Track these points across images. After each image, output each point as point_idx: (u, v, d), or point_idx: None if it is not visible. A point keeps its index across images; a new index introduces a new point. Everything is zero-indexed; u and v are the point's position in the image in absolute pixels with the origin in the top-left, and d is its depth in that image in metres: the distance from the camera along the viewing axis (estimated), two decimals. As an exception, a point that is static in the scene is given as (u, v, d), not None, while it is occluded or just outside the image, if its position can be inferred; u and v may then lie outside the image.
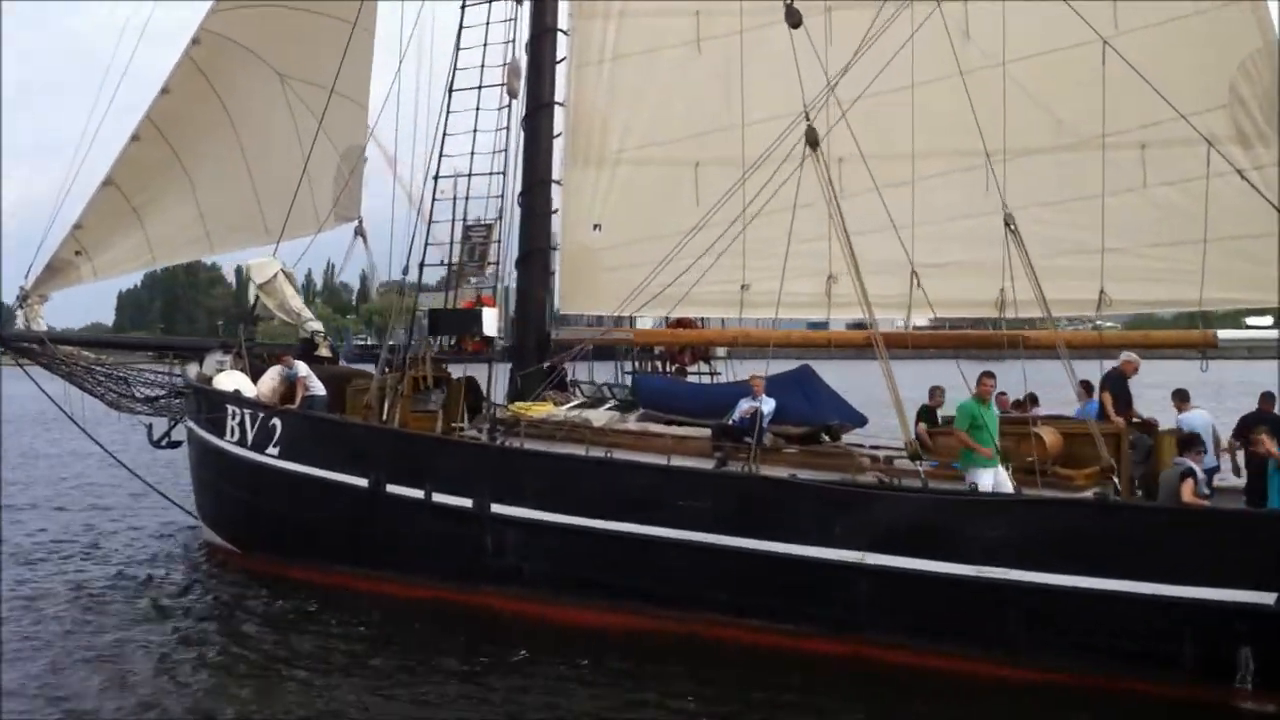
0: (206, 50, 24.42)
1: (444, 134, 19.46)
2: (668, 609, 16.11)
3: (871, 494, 15.14)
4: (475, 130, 19.16)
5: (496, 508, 17.55)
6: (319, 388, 20.52)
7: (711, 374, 21.98)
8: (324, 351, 23.11)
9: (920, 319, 20.69)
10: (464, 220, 19.79)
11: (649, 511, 16.24)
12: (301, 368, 20.61)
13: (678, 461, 17.23)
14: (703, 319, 21.42)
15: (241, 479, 20.66)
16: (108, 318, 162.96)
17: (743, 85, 19.98)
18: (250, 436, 20.29)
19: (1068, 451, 15.91)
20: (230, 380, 21.78)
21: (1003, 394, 18.56)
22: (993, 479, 14.86)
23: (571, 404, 19.69)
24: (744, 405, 17.43)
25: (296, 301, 23.76)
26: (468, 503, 17.80)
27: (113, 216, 24.74)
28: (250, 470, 20.40)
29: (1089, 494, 15.08)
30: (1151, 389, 19.34)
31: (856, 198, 19.48)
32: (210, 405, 21.16)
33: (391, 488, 18.55)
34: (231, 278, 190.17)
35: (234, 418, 20.50)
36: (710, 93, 20.41)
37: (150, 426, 23.88)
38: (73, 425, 23.86)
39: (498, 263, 19.70)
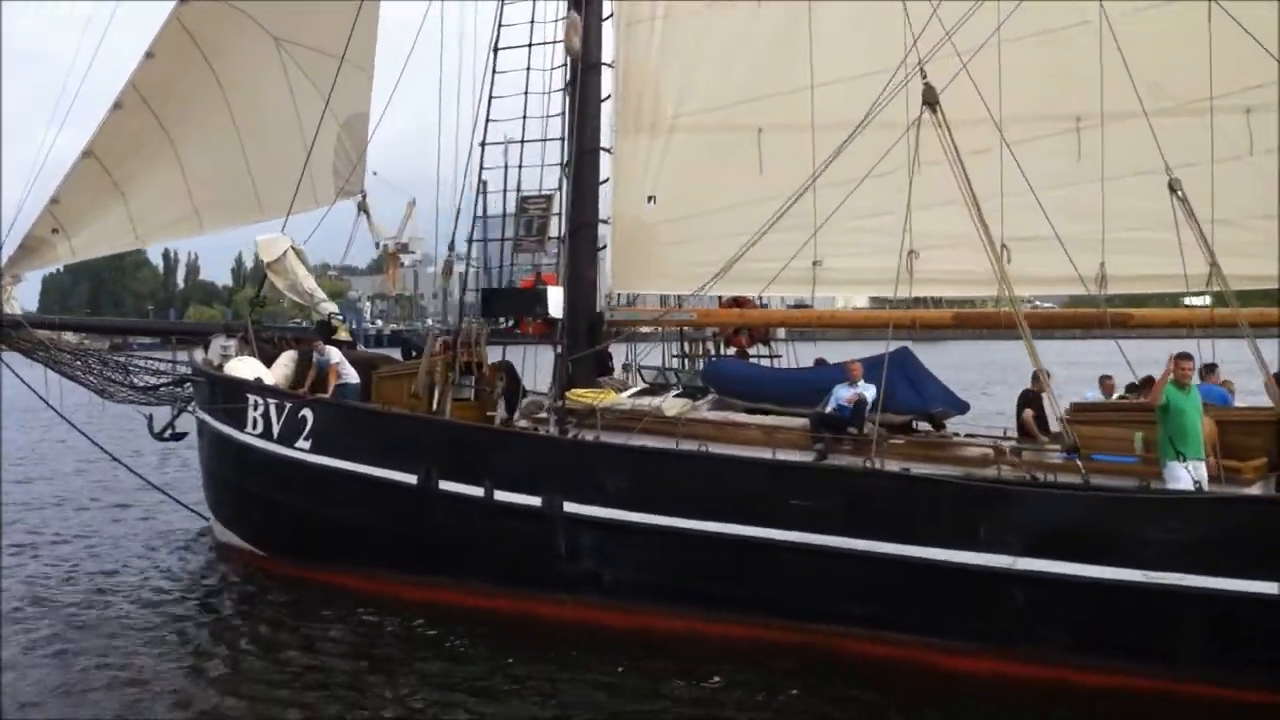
0: (195, 11, 22.23)
1: (490, 96, 17.33)
2: (780, 620, 14.59)
3: (1024, 491, 13.38)
4: (526, 92, 17.17)
5: (570, 506, 15.89)
6: (353, 375, 18.66)
7: (772, 357, 20.05)
8: (343, 335, 20.98)
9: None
10: (518, 190, 17.69)
11: (756, 511, 14.71)
12: (334, 353, 18.69)
13: (768, 454, 15.63)
14: (760, 297, 19.40)
15: (266, 475, 18.86)
16: (31, 303, 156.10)
17: (811, 43, 18.05)
18: (276, 429, 18.43)
19: (1219, 441, 14.21)
20: (246, 367, 19.62)
21: (1108, 377, 16.93)
22: (1193, 474, 13.03)
23: (631, 390, 17.72)
24: (843, 392, 15.74)
25: (309, 282, 21.77)
26: (536, 501, 16.10)
27: (92, 191, 22.58)
28: (277, 466, 18.60)
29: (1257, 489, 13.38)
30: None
31: (934, 166, 17.18)
32: (228, 394, 19.23)
33: (445, 484, 16.83)
34: (158, 260, 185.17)
35: (256, 408, 18.54)
36: (773, 52, 18.79)
37: (150, 417, 21.55)
38: (38, 415, 21.37)
39: (560, 237, 17.61)
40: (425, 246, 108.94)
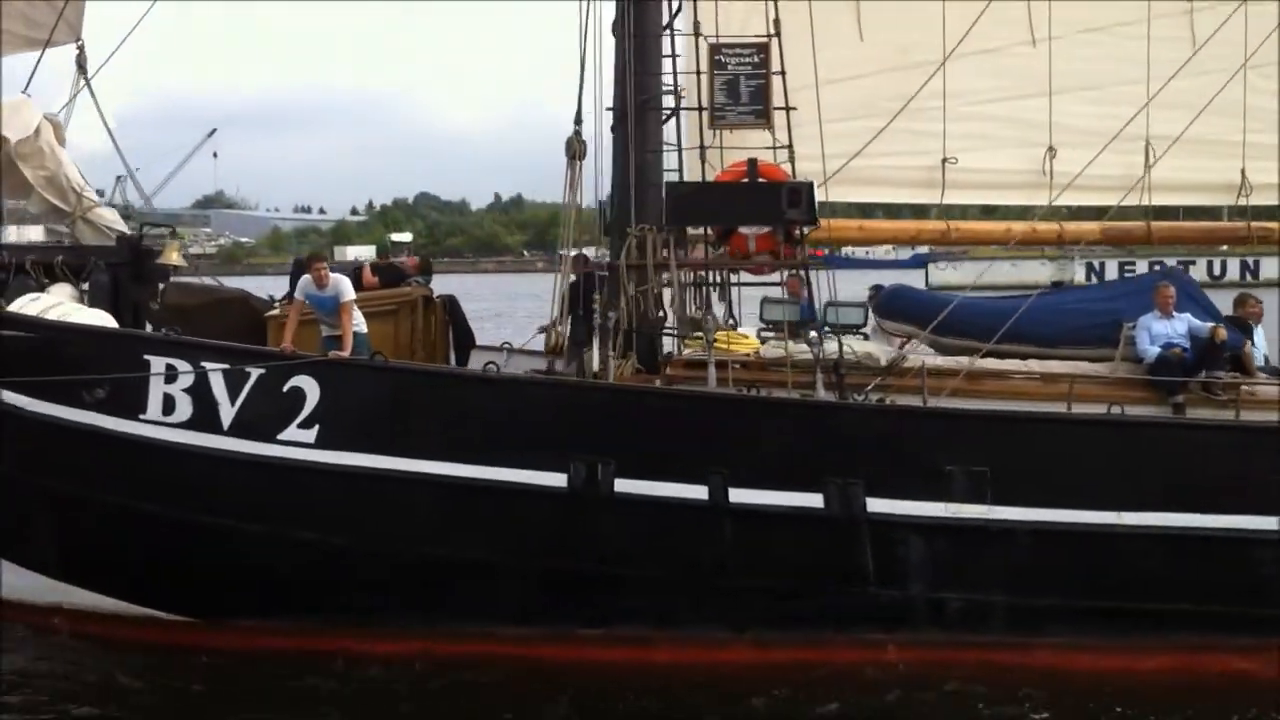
0: None
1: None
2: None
3: None
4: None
5: (880, 505, 11.23)
6: (363, 322, 11.62)
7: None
8: (174, 258, 13.31)
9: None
10: (711, 37, 11.74)
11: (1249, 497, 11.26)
12: (347, 285, 11.50)
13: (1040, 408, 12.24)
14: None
15: (202, 491, 11.80)
16: None
17: None
18: (228, 412, 11.62)
19: None
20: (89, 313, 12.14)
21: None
22: None
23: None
24: (1159, 327, 12.61)
25: (74, 171, 13.83)
26: (814, 500, 11.14)
27: None
28: (233, 474, 11.73)
29: None
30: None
31: (1046, 44, 15.05)
32: (90, 357, 11.92)
33: (626, 484, 11.22)
34: None
35: (172, 379, 11.45)
36: None
37: None
38: None
39: (789, 108, 11.89)
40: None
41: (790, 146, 11.96)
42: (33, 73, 14.23)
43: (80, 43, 15.73)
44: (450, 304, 14.28)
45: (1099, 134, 14.67)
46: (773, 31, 12.02)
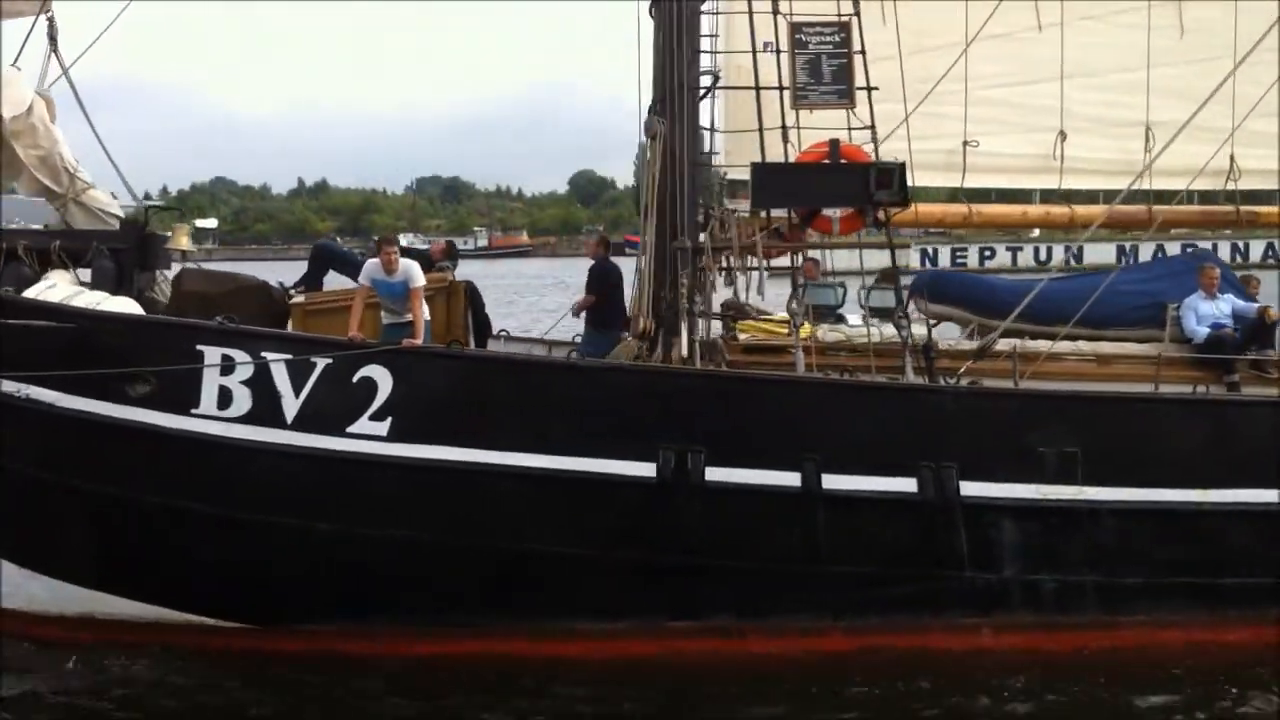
0: None
1: None
2: None
3: None
4: None
5: (974, 489, 11.24)
6: (427, 310, 11.25)
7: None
8: (184, 243, 12.65)
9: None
10: (789, 16, 11.50)
11: None
12: (418, 272, 11.04)
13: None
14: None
15: (263, 488, 11.21)
16: None
17: None
18: (292, 404, 11.08)
19: None
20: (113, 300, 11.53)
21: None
22: None
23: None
24: (1205, 308, 12.94)
25: (67, 150, 13.09)
26: (908, 485, 11.13)
27: None
28: (298, 468, 11.13)
29: None
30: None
31: (1052, 29, 15.36)
32: (128, 345, 11.20)
33: (716, 473, 11.05)
34: None
35: (228, 370, 10.92)
36: None
37: None
38: None
39: (870, 88, 11.72)
40: None
41: (873, 126, 11.82)
42: (22, 46, 13.34)
43: (50, 15, 14.76)
44: (471, 291, 13.84)
45: (1102, 121, 15.25)
46: (854, 10, 11.88)
